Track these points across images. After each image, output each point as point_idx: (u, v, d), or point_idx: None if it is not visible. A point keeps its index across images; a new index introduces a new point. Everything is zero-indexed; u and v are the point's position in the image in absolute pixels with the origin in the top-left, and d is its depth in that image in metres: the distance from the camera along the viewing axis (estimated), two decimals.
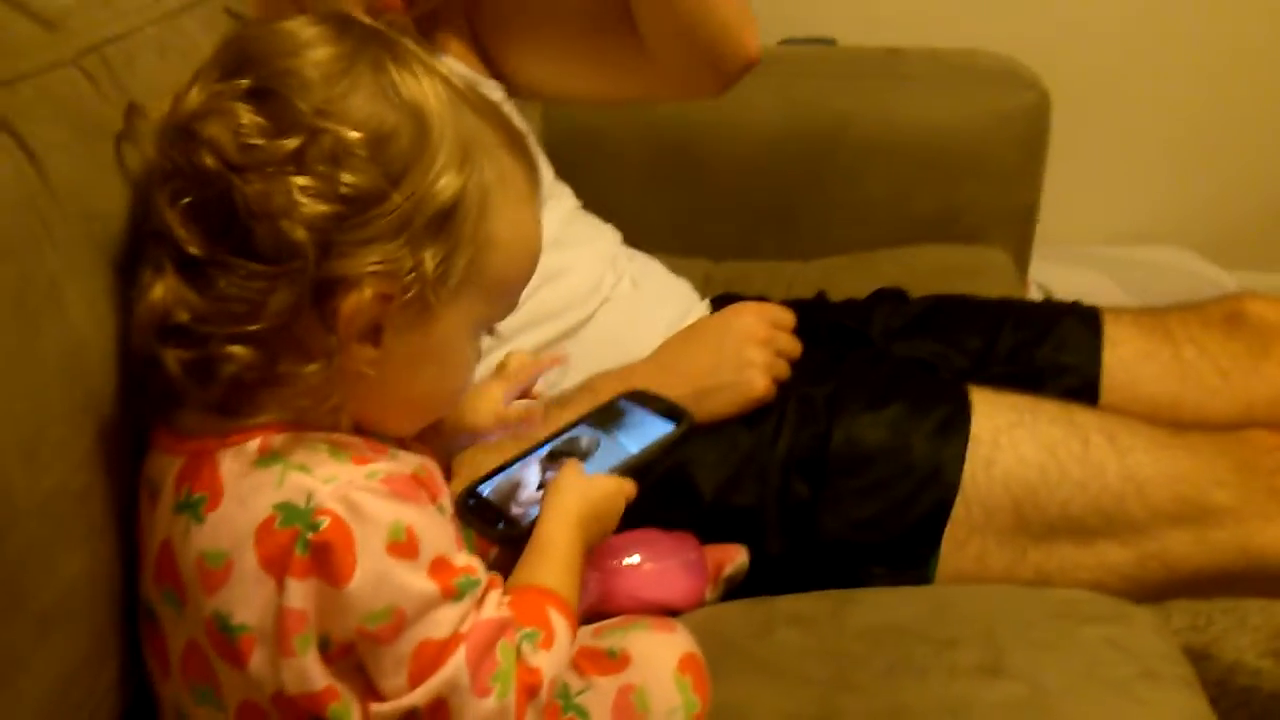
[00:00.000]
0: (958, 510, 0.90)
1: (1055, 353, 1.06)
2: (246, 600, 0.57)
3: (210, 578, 0.57)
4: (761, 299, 1.14)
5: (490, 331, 0.67)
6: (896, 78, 1.44)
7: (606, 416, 0.78)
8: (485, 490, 0.74)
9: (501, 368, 0.78)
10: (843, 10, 1.82)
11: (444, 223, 0.59)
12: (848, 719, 0.72)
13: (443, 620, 0.58)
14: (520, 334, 0.95)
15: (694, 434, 0.77)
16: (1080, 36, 1.86)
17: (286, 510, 0.56)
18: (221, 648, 0.58)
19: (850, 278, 1.27)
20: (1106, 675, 0.73)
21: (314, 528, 0.55)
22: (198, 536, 0.58)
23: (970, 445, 0.91)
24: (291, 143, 0.56)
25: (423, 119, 0.58)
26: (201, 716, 0.61)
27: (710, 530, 0.91)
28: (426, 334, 0.60)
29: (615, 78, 1.10)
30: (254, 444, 0.58)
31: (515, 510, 0.72)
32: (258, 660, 0.57)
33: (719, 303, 1.13)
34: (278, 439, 0.59)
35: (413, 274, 0.58)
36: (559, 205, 1.09)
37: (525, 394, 0.78)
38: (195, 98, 0.58)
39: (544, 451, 0.75)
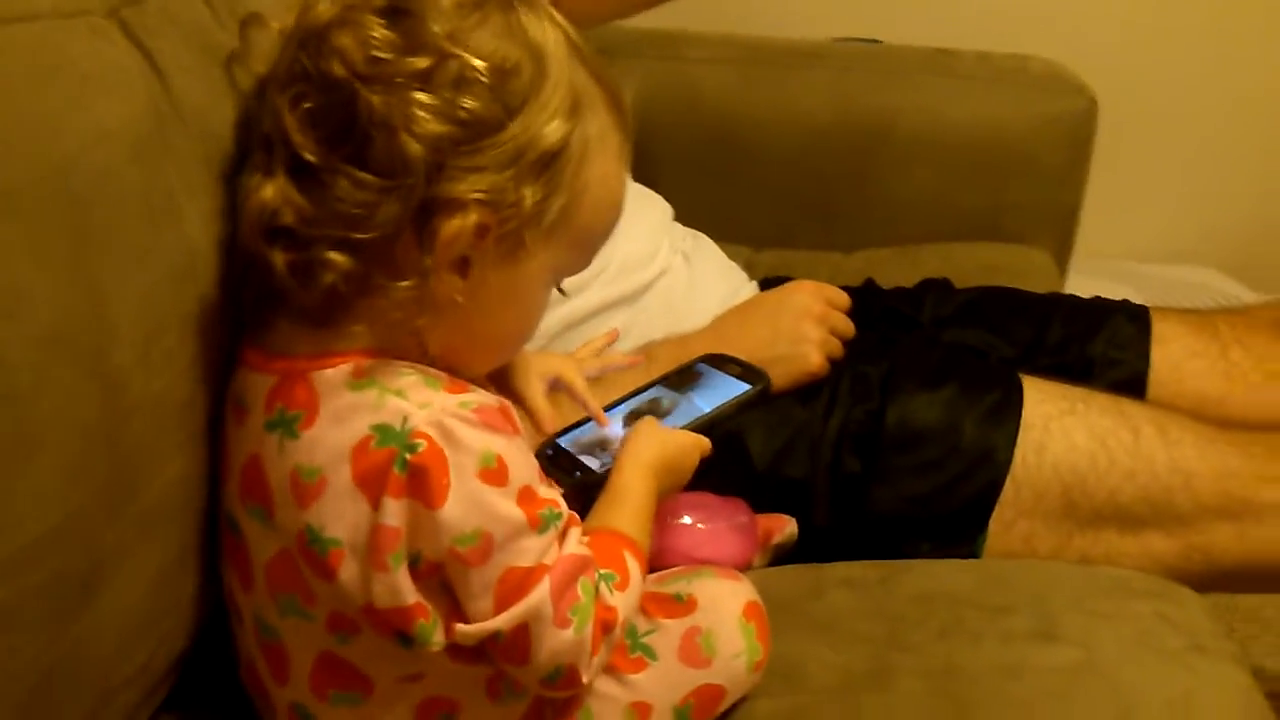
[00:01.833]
0: (1007, 492, 0.92)
1: (1104, 347, 1.07)
2: (339, 515, 0.58)
3: (304, 492, 0.59)
4: None
5: (560, 289, 0.68)
6: (946, 76, 1.46)
7: (684, 378, 0.80)
8: (564, 442, 0.76)
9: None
10: (890, 13, 1.84)
11: (548, 164, 0.61)
12: (901, 676, 0.73)
13: (528, 549, 0.59)
14: (583, 291, 0.97)
15: (767, 397, 0.79)
16: (1125, 51, 1.88)
17: (383, 431, 0.58)
18: (311, 560, 0.60)
19: (892, 270, 1.28)
20: (1158, 645, 0.74)
21: (411, 449, 0.57)
22: (292, 452, 0.59)
23: (1022, 430, 0.92)
24: (420, 62, 0.57)
25: (543, 61, 0.60)
26: (287, 626, 0.63)
27: (761, 500, 0.92)
28: (511, 273, 0.62)
29: None
30: (347, 367, 0.60)
31: (591, 461, 0.74)
32: (347, 574, 0.59)
33: (768, 284, 1.15)
34: (369, 364, 0.60)
35: (513, 208, 0.59)
36: None
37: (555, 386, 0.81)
38: (327, 8, 0.59)
39: (624, 409, 0.77)
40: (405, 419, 0.58)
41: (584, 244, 0.67)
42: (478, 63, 0.58)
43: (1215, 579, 0.93)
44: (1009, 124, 1.42)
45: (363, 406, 0.59)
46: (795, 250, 1.44)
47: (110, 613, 0.58)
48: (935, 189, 1.43)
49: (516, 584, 0.59)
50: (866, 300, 1.13)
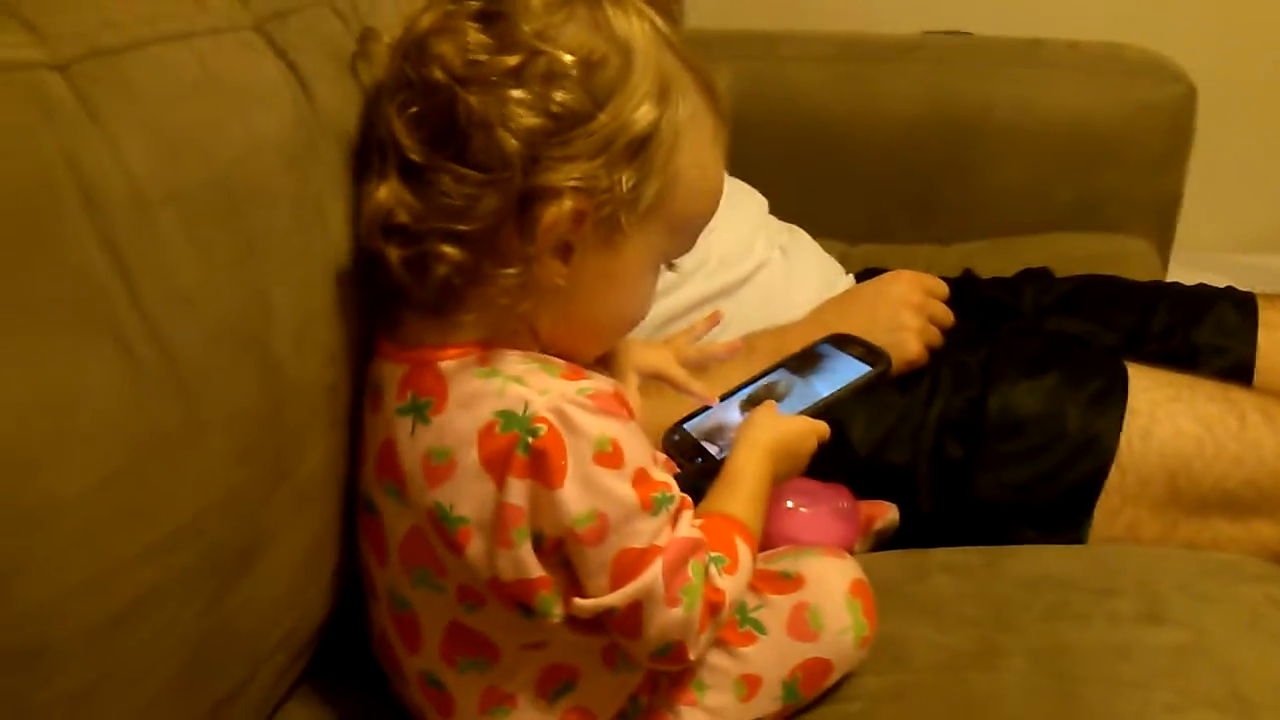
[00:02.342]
0: (1112, 478, 0.92)
1: (1210, 334, 1.07)
2: (468, 494, 0.62)
3: (435, 472, 0.63)
4: None
5: (670, 267, 0.70)
6: (1039, 66, 1.45)
7: (805, 361, 0.81)
8: (689, 426, 0.79)
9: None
10: (980, 4, 1.83)
11: (639, 149, 0.63)
12: (1009, 657, 0.75)
13: (642, 530, 0.62)
14: (682, 285, 1.00)
15: (887, 379, 0.80)
16: (1221, 39, 1.85)
17: (506, 417, 0.61)
18: (442, 535, 0.63)
19: (990, 262, 1.28)
20: (1268, 627, 0.75)
21: (533, 433, 0.60)
22: (424, 435, 0.63)
23: (1127, 416, 0.93)
24: (512, 60, 0.60)
25: (629, 52, 0.63)
26: (418, 597, 0.67)
27: (864, 486, 0.94)
28: (612, 256, 0.64)
29: None
30: (472, 356, 0.64)
31: (712, 447, 0.77)
32: (474, 550, 0.62)
33: (865, 276, 1.17)
34: (491, 354, 0.64)
35: (607, 193, 0.62)
36: None
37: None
38: (428, 19, 0.63)
39: (744, 394, 0.80)
40: (526, 405, 0.61)
41: (682, 228, 0.68)
42: (565, 58, 0.61)
43: None
44: (1105, 113, 1.41)
45: (487, 393, 0.62)
46: (891, 244, 1.45)
47: (263, 585, 0.62)
48: (1031, 180, 1.43)
49: (631, 563, 0.62)
50: (965, 291, 1.14)
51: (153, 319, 0.52)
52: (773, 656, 0.71)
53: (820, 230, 1.37)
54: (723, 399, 0.80)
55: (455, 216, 0.61)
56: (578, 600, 0.63)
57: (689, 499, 0.68)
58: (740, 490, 0.70)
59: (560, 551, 0.62)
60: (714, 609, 0.65)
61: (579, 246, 0.63)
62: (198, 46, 0.58)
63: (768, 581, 0.73)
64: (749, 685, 0.71)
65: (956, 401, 0.97)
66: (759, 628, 0.71)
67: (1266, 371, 1.05)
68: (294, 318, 0.61)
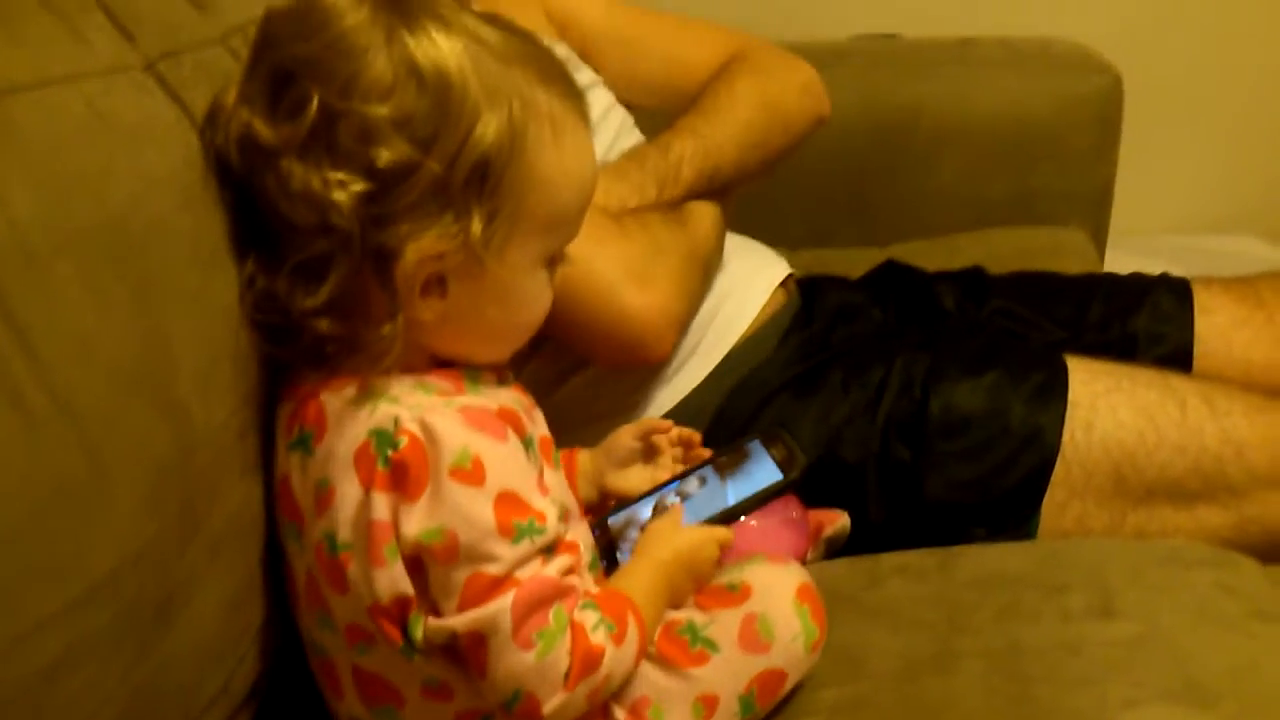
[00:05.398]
0: (1057, 473, 0.92)
1: (1147, 322, 1.07)
2: (345, 518, 0.61)
3: (320, 502, 0.62)
4: (843, 279, 1.17)
5: (560, 259, 0.68)
6: (968, 65, 1.46)
7: (731, 459, 0.80)
8: (611, 521, 0.78)
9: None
10: (909, 5, 1.85)
11: (482, 177, 0.60)
12: (964, 659, 0.74)
13: (499, 557, 0.59)
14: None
15: (796, 488, 0.79)
16: (1147, 28, 1.87)
17: (378, 435, 0.60)
18: (329, 572, 0.62)
19: (929, 260, 1.28)
20: (1218, 614, 0.74)
21: (394, 446, 0.59)
22: (311, 467, 0.62)
23: (1069, 409, 0.93)
24: (316, 125, 0.58)
25: (444, 82, 0.59)
26: (325, 640, 0.65)
27: (814, 494, 0.93)
28: (487, 277, 0.62)
29: None
30: (352, 386, 0.62)
31: (623, 547, 0.77)
32: (354, 574, 0.61)
33: (807, 282, 1.16)
34: (372, 380, 0.62)
35: (458, 230, 0.60)
36: None
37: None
38: (224, 98, 0.61)
39: (667, 490, 0.79)
40: (396, 420, 0.60)
41: (556, 225, 0.66)
42: (377, 111, 0.58)
43: (1274, 549, 0.92)
44: (1034, 107, 1.42)
45: (362, 415, 0.61)
46: (830, 248, 1.45)
47: (187, 638, 0.60)
48: (966, 177, 1.43)
49: (481, 591, 0.59)
50: (891, 284, 1.14)
51: (47, 369, 0.50)
52: (727, 673, 0.70)
53: (760, 237, 1.37)
54: (650, 492, 0.79)
55: (310, 285, 0.60)
56: (428, 620, 0.60)
57: (577, 545, 0.66)
58: (636, 590, 0.68)
59: (422, 571, 0.60)
60: (588, 664, 0.61)
61: (450, 275, 0.62)
62: (85, 89, 0.57)
63: (714, 597, 0.72)
64: (706, 705, 0.69)
65: (901, 403, 0.96)
66: (711, 646, 0.70)
67: (1206, 356, 1.05)
68: (198, 360, 0.59)
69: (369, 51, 0.59)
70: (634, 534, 0.77)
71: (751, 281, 1.06)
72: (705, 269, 0.99)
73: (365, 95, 0.59)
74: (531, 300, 0.67)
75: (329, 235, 0.59)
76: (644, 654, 0.67)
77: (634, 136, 1.10)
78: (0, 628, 0.49)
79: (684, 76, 1.11)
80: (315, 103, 0.58)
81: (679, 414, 0.97)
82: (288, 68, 0.60)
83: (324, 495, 0.61)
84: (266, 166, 0.59)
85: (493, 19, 0.64)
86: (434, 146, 0.59)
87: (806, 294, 1.13)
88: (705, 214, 1.00)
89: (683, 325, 0.95)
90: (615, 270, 0.89)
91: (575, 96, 0.66)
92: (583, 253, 0.69)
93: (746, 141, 1.03)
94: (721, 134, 1.01)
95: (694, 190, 0.99)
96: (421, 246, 0.59)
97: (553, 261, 0.67)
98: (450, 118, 0.59)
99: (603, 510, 0.82)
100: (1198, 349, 1.06)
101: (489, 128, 0.60)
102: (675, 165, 0.98)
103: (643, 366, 0.95)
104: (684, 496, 0.78)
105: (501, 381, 0.70)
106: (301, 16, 0.61)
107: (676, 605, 0.71)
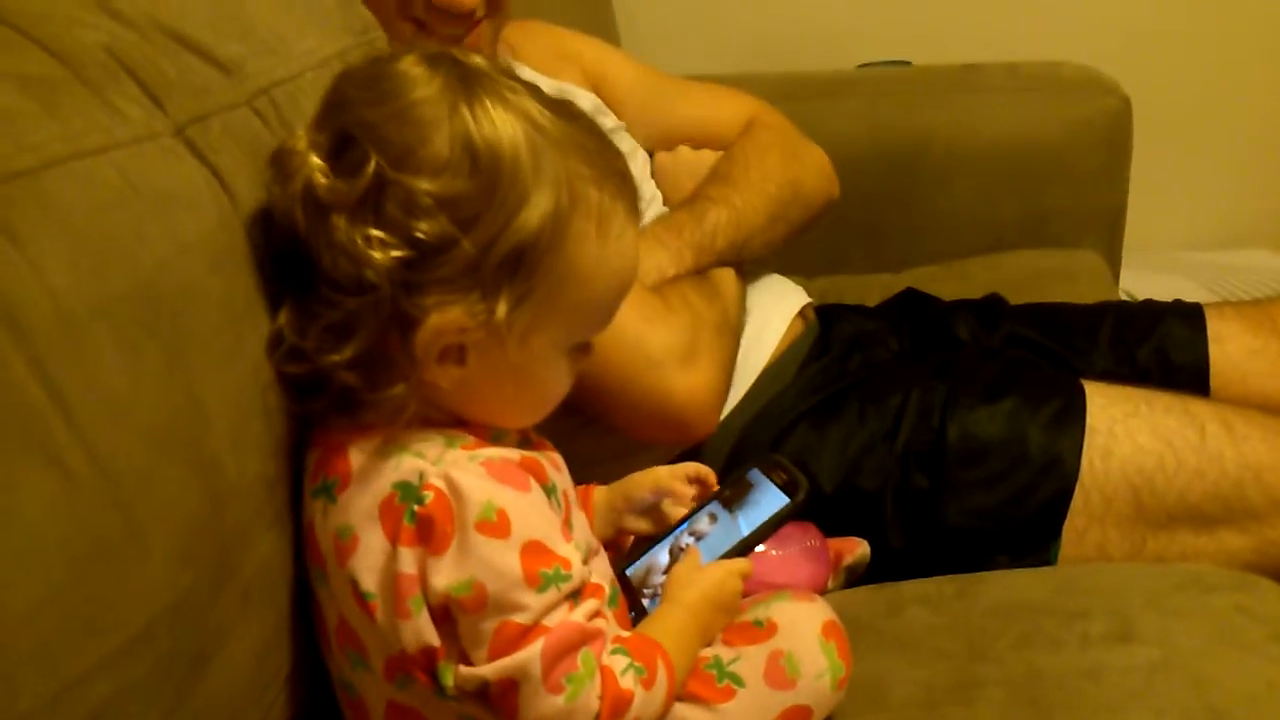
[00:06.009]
0: (1077, 499, 0.92)
1: (1161, 352, 1.08)
2: (370, 568, 0.62)
3: (343, 550, 0.63)
4: (860, 307, 1.19)
5: (586, 350, 0.68)
6: (977, 91, 1.48)
7: (735, 492, 0.81)
8: (630, 571, 0.79)
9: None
10: (917, 32, 1.86)
11: (516, 262, 0.61)
12: (985, 687, 0.74)
13: (527, 606, 0.60)
14: None
15: (804, 507, 0.80)
16: (1155, 47, 1.88)
17: (403, 488, 0.62)
18: (361, 612, 0.63)
19: (942, 285, 1.30)
20: (1237, 638, 0.75)
21: (420, 501, 0.61)
22: (334, 515, 0.64)
23: (1087, 435, 0.93)
24: (369, 188, 0.60)
25: (496, 165, 0.60)
26: (359, 680, 0.66)
27: (833, 523, 0.94)
28: (510, 355, 0.63)
29: None
30: (379, 436, 0.64)
31: (646, 594, 0.78)
32: (381, 623, 0.62)
33: (823, 309, 1.18)
34: (399, 432, 0.64)
35: (484, 310, 0.61)
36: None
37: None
38: (295, 143, 0.63)
39: (680, 532, 0.80)
40: (421, 475, 0.61)
41: (584, 318, 0.67)
42: (424, 185, 0.60)
43: None
44: (1044, 131, 1.43)
45: (387, 468, 0.63)
46: (845, 275, 1.47)
47: (220, 688, 0.61)
48: (978, 202, 1.45)
49: (510, 639, 0.60)
50: (910, 314, 1.15)
51: (84, 431, 0.52)
52: (753, 708, 0.70)
53: (775, 264, 1.39)
54: (664, 537, 0.80)
55: (339, 340, 0.62)
56: (460, 668, 0.61)
57: (603, 587, 0.67)
58: (667, 636, 0.68)
59: (450, 622, 0.61)
60: (617, 708, 0.62)
61: (471, 347, 0.63)
62: (117, 158, 0.59)
63: (740, 633, 0.73)
64: None
65: (919, 432, 0.97)
66: (737, 681, 0.71)
67: (1220, 387, 1.05)
68: (229, 416, 0.60)
69: (430, 126, 0.61)
70: (657, 579, 0.78)
71: (769, 320, 1.07)
72: (736, 336, 1.02)
73: (418, 169, 0.60)
74: (548, 385, 0.68)
75: (361, 293, 0.61)
76: (674, 698, 0.67)
77: (651, 184, 1.13)
78: (43, 683, 0.50)
79: (715, 127, 1.16)
80: (372, 167, 0.60)
81: (698, 447, 0.98)
82: (351, 131, 0.62)
83: (346, 544, 0.63)
84: (319, 216, 0.61)
85: (557, 104, 0.65)
86: (474, 228, 0.60)
87: (824, 322, 1.14)
88: (730, 280, 1.03)
89: (724, 399, 0.98)
90: (662, 352, 0.91)
91: (628, 192, 0.66)
92: (630, 332, 0.70)
93: (775, 215, 1.07)
94: (753, 207, 1.05)
95: (724, 260, 1.03)
96: (444, 318, 0.61)
97: (578, 350, 0.68)
98: (495, 201, 0.60)
99: (619, 548, 0.83)
100: (1214, 379, 1.06)
101: (533, 214, 0.61)
102: (710, 234, 1.02)
103: (688, 445, 0.96)
104: (698, 536, 0.79)
105: (523, 443, 0.70)
106: (374, 82, 0.63)
107: (708, 643, 0.72)
